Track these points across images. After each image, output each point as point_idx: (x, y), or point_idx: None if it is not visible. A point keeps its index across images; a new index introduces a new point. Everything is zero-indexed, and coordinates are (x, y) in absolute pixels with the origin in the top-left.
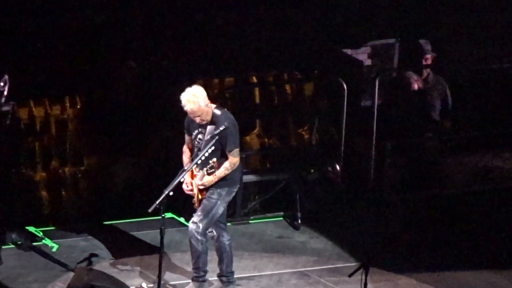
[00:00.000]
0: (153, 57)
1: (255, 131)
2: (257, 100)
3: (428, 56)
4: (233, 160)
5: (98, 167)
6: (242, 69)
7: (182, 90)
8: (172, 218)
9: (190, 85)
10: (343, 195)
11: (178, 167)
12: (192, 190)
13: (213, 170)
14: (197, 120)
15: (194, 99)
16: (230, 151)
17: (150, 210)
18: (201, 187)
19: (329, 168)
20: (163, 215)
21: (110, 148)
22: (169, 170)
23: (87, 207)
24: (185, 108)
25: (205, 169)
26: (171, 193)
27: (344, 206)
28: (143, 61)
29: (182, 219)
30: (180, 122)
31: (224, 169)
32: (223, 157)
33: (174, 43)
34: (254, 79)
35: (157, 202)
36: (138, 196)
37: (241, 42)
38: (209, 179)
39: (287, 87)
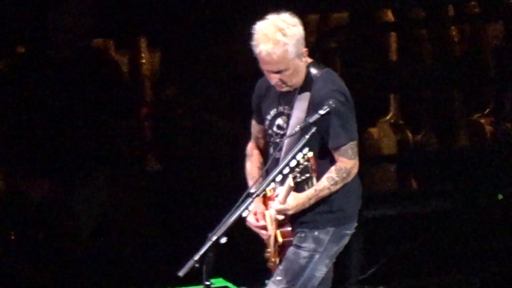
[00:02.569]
0: None
1: (387, 116)
2: (393, 57)
3: None
4: (345, 164)
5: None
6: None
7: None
8: None
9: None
10: None
11: (229, 186)
12: (265, 227)
13: (308, 175)
14: (275, 82)
15: (280, 36)
16: (338, 148)
17: (181, 273)
18: (281, 217)
19: None
20: (207, 283)
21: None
22: (205, 188)
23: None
24: (257, 51)
25: (290, 176)
26: (223, 240)
27: None
28: None
29: None
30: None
31: (328, 182)
32: (325, 158)
33: None
34: (389, 15)
35: (196, 256)
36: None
37: None
38: (299, 198)
39: (453, 31)
